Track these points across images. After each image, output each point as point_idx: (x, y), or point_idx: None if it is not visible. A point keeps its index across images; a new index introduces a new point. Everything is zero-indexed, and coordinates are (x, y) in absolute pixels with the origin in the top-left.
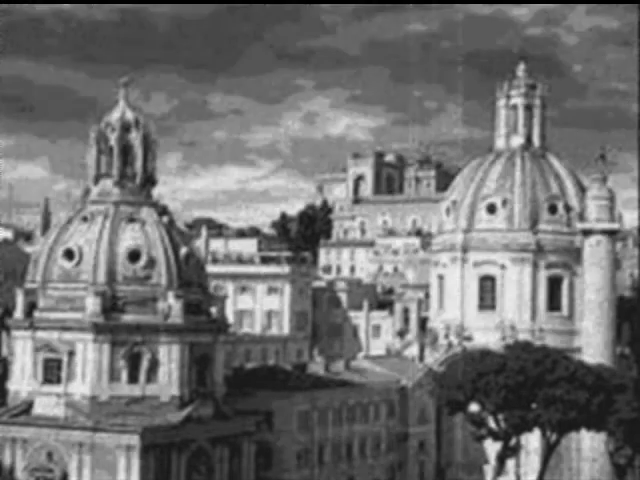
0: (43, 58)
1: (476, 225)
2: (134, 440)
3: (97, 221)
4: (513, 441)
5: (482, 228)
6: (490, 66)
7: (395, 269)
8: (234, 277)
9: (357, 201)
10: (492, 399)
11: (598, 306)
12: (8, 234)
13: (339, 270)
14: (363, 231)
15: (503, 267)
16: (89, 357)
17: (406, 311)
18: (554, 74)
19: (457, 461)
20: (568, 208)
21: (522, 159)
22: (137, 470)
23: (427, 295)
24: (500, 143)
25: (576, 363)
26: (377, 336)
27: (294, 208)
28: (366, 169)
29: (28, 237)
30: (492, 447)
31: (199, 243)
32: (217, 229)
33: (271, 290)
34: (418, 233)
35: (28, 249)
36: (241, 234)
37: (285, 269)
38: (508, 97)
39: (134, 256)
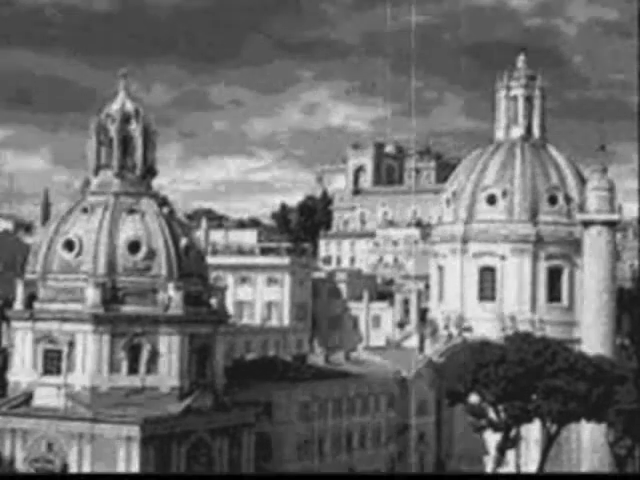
0: (43, 49)
1: (476, 216)
2: (134, 431)
3: (97, 212)
4: (513, 432)
5: (482, 219)
6: (490, 57)
7: (395, 260)
8: (234, 268)
9: (357, 192)
10: (492, 390)
11: (598, 297)
12: (8, 225)
13: (339, 261)
14: (363, 222)
15: (503, 258)
16: (89, 348)
17: (406, 302)
18: (554, 65)
19: (457, 452)
20: (568, 199)
21: (522, 150)
22: (137, 461)
23: (427, 286)
24: (500, 134)
25: (576, 354)
26: (377, 327)
27: (294, 199)
28: (366, 160)
29: (28, 228)
30: (492, 438)
31: (199, 234)
32: (217, 220)
33: (271, 281)
34: (418, 224)
35: (28, 240)
36: (241, 225)
37: (285, 260)
38: (508, 88)
39: (134, 247)
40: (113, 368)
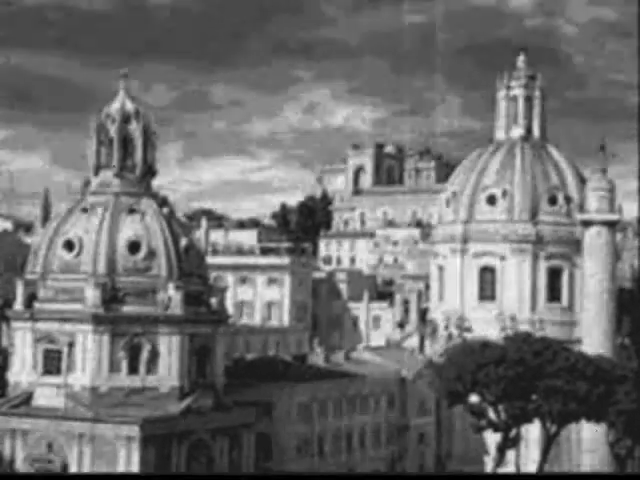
0: (43, 49)
1: (476, 216)
2: (134, 431)
3: (97, 212)
4: (513, 432)
5: (482, 219)
6: (490, 57)
7: (395, 260)
8: (234, 268)
9: (357, 192)
10: (492, 390)
11: (598, 297)
12: (8, 225)
13: (339, 261)
14: (363, 222)
15: (503, 258)
16: (89, 348)
17: (406, 302)
18: (554, 65)
19: (457, 452)
20: (568, 199)
21: (522, 150)
22: (137, 461)
23: (427, 286)
24: (500, 134)
25: (576, 354)
26: (377, 327)
27: (294, 199)
28: (366, 160)
29: (28, 228)
30: (492, 438)
31: (199, 234)
32: (217, 220)
33: (271, 281)
34: (418, 224)
35: (28, 240)
36: (241, 225)
37: (285, 260)
38: (508, 88)
39: (134, 247)
40: (113, 368)
